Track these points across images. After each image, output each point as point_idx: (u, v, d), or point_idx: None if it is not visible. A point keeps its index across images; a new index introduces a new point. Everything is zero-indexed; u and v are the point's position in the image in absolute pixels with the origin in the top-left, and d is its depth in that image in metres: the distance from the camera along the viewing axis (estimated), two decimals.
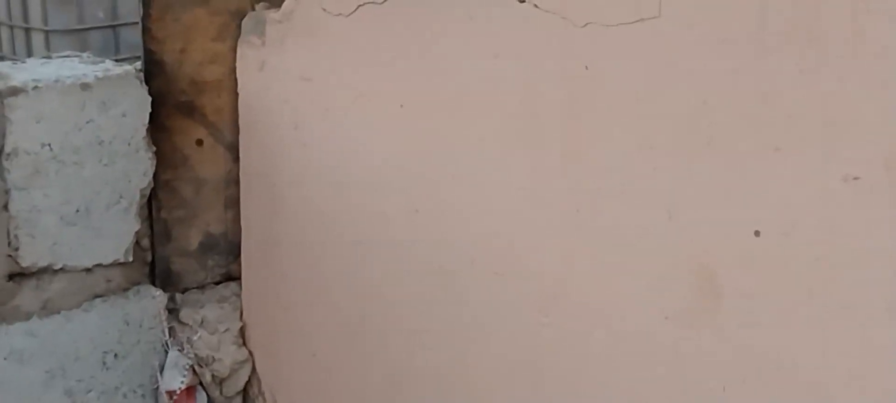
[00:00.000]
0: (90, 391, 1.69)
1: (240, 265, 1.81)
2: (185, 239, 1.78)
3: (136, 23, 1.72)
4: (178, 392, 1.72)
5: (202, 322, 1.76)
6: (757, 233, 0.96)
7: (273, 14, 1.62)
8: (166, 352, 1.74)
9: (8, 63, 1.65)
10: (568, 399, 1.21)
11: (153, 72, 1.69)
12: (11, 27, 4.34)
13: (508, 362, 1.28)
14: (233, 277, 1.82)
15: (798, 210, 0.93)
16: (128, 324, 1.71)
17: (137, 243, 1.72)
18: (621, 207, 1.11)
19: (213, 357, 1.74)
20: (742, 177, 0.99)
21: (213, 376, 1.75)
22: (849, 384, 0.93)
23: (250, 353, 1.77)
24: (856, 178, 0.88)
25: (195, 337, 1.74)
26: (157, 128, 1.70)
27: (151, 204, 1.74)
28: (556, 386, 1.21)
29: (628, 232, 1.13)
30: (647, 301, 1.10)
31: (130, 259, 1.71)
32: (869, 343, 0.91)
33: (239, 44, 1.70)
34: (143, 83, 1.67)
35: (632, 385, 1.13)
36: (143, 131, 1.67)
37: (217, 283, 1.82)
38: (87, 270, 1.67)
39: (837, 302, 0.93)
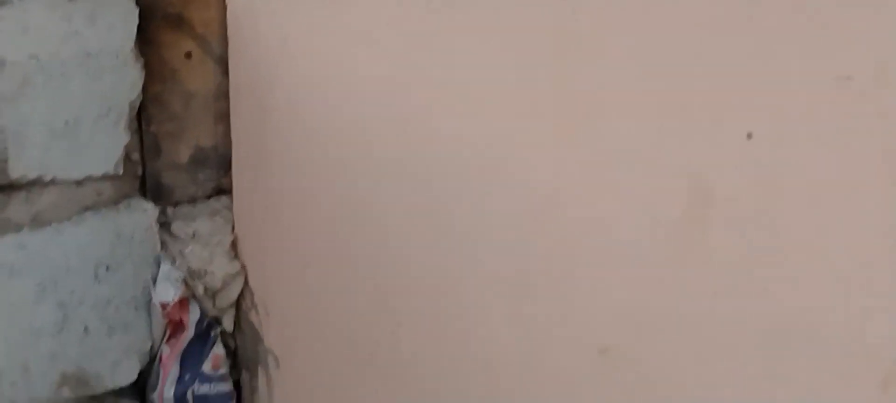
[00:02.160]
0: (82, 303, 1.70)
1: (230, 178, 1.81)
2: (176, 153, 1.77)
3: None
4: (172, 304, 1.72)
5: (194, 235, 1.76)
6: (749, 136, 0.96)
7: None
8: (158, 265, 1.74)
9: None
10: (559, 308, 1.21)
11: None
12: None
13: (500, 274, 1.28)
14: (224, 191, 1.82)
15: (789, 112, 0.93)
16: (119, 237, 1.71)
17: (128, 157, 1.71)
18: (612, 117, 1.11)
19: (205, 269, 1.74)
20: (734, 81, 0.98)
21: (205, 288, 1.75)
22: (838, 285, 0.94)
23: (242, 266, 1.77)
24: (848, 78, 0.87)
25: (187, 250, 1.73)
26: (145, 42, 1.69)
27: (141, 117, 1.73)
28: (547, 297, 1.21)
29: (619, 141, 1.12)
30: (638, 210, 1.10)
31: (120, 172, 1.70)
32: (857, 244, 0.91)
33: None
34: None
35: (624, 294, 1.14)
36: (130, 44, 1.65)
37: (208, 197, 1.81)
38: (78, 183, 1.66)
39: (827, 204, 0.93)
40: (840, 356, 0.91)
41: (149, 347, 1.77)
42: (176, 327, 1.76)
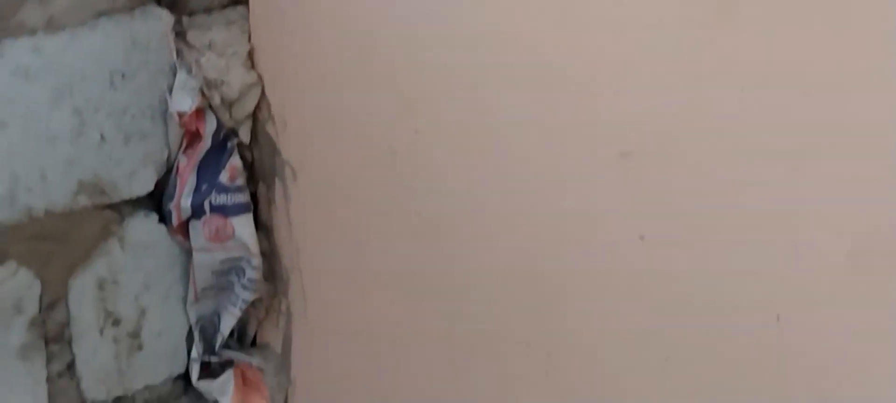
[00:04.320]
0: (98, 110, 1.69)
1: None
2: None
3: None
4: (188, 113, 1.71)
5: (210, 44, 1.74)
6: None
7: None
8: (174, 74, 1.73)
9: None
10: (581, 111, 1.20)
11: None
12: None
13: (522, 75, 1.27)
14: (239, 1, 1.79)
15: None
16: (135, 44, 1.69)
17: None
18: None
19: (221, 79, 1.73)
20: None
21: (221, 99, 1.74)
22: (860, 88, 0.92)
23: (259, 77, 1.76)
24: None
25: (203, 59, 1.72)
26: None
27: None
28: (569, 100, 1.20)
29: None
30: (663, 9, 1.08)
31: None
32: (886, 58, 0.90)
33: None
34: None
35: (647, 97, 1.12)
36: None
37: (224, 7, 1.79)
38: None
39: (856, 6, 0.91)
40: (866, 155, 0.90)
41: (165, 157, 1.77)
42: (192, 137, 1.76)
